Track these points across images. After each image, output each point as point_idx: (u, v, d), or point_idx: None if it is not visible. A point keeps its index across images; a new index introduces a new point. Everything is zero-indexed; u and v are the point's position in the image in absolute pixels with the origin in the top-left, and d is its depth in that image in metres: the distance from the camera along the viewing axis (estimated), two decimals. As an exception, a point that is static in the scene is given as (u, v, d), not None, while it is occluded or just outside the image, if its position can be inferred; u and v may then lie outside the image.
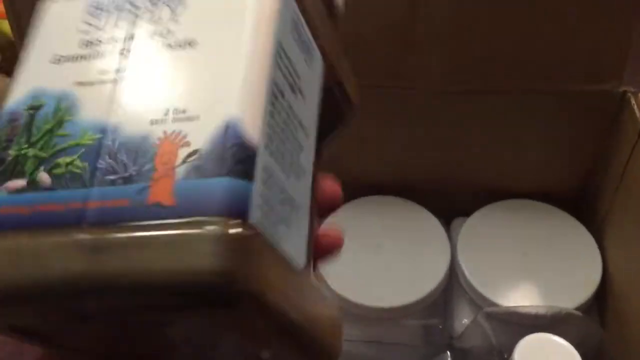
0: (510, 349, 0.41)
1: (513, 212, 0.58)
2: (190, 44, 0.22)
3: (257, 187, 0.19)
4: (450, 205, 0.60)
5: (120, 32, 0.22)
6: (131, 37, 0.22)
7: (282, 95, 0.22)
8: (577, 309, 0.50)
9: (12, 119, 0.21)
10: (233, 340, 0.22)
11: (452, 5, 0.46)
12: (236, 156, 0.19)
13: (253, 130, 0.20)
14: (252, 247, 0.18)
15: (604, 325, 0.53)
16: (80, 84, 0.21)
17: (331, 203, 0.26)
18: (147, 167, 0.19)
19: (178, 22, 0.22)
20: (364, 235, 0.56)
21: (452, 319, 0.55)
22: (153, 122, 0.20)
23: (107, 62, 0.22)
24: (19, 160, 0.20)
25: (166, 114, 0.20)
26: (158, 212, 0.19)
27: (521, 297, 0.51)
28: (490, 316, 0.47)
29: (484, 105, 0.52)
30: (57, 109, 0.21)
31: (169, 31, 0.22)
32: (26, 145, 0.21)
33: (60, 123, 0.21)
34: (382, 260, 0.55)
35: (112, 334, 0.23)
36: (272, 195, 0.20)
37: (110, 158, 0.20)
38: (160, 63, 0.21)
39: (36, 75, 0.22)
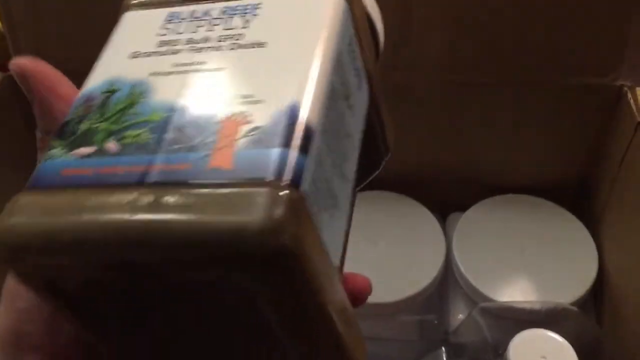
0: (505, 345, 0.41)
1: (509, 207, 0.57)
2: (260, 44, 0.24)
3: (310, 164, 0.20)
4: (446, 200, 0.59)
5: (197, 36, 0.25)
6: (206, 39, 0.25)
7: (337, 99, 0.24)
8: (573, 304, 0.50)
9: (88, 99, 0.23)
10: (257, 323, 0.22)
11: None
12: (295, 132, 0.21)
13: (312, 115, 0.21)
14: (300, 211, 0.19)
15: (599, 320, 0.53)
16: (155, 74, 0.23)
17: (360, 296, 0.27)
18: (210, 139, 0.21)
19: (249, 27, 0.25)
20: (359, 230, 0.55)
21: (447, 314, 0.54)
22: (222, 104, 0.22)
23: (182, 57, 0.24)
24: (90, 132, 0.22)
25: (235, 98, 0.22)
26: (216, 174, 0.20)
27: (517, 292, 0.51)
28: (485, 311, 0.47)
29: (479, 98, 0.52)
30: (131, 93, 0.23)
31: (240, 35, 0.25)
32: (99, 121, 0.22)
33: (132, 104, 0.23)
34: (377, 256, 0.54)
35: (138, 310, 0.23)
36: (320, 180, 0.21)
37: (177, 132, 0.22)
38: (230, 58, 0.24)
39: (113, 67, 0.24)
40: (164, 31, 0.25)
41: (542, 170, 0.58)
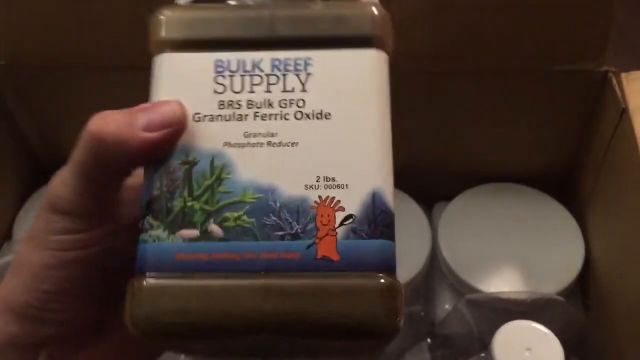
0: (490, 336, 0.41)
1: (495, 196, 0.57)
2: (325, 115, 0.26)
3: (395, 246, 0.25)
4: (432, 190, 0.59)
5: (257, 97, 0.26)
6: (269, 104, 0.26)
7: None
8: (560, 293, 0.50)
9: (169, 172, 0.25)
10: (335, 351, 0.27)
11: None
12: (384, 222, 0.24)
13: (390, 199, 0.25)
14: (399, 295, 0.24)
15: (586, 308, 0.53)
16: (229, 144, 0.25)
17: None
18: (310, 226, 0.24)
19: (308, 92, 0.26)
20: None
21: (433, 305, 0.54)
22: (307, 187, 0.25)
23: (250, 125, 0.25)
24: (187, 211, 0.24)
25: (318, 180, 0.25)
26: (326, 264, 0.24)
27: (503, 282, 0.50)
28: (471, 303, 0.47)
29: (464, 87, 0.51)
30: (213, 167, 0.25)
31: (303, 101, 0.26)
32: (190, 198, 0.25)
33: (219, 180, 0.25)
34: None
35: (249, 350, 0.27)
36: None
37: (274, 216, 0.24)
38: (300, 130, 0.25)
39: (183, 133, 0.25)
40: (219, 87, 0.26)
41: (528, 158, 0.57)
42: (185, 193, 0.25)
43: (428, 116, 0.54)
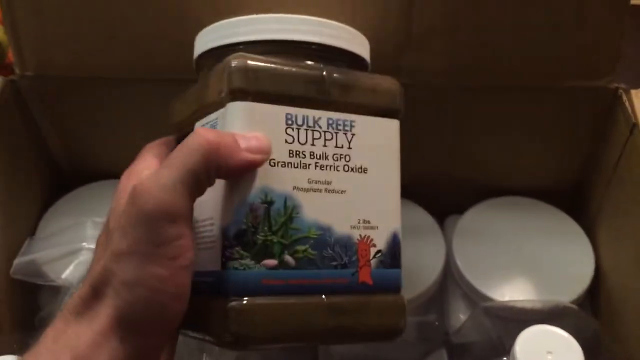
0: (508, 343, 0.41)
1: (506, 209, 0.58)
2: (364, 170, 0.33)
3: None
4: (444, 203, 0.60)
5: (317, 150, 0.32)
6: (325, 157, 0.32)
7: None
8: (571, 303, 0.51)
9: (253, 209, 0.30)
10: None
11: (448, 1, 0.46)
12: (398, 253, 0.34)
13: (401, 236, 0.34)
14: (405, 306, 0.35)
15: (596, 318, 0.54)
16: (297, 188, 0.31)
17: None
18: (354, 258, 0.32)
19: (353, 149, 0.33)
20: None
21: (447, 315, 0.55)
22: (352, 227, 0.32)
23: (313, 173, 0.31)
24: (267, 244, 0.30)
25: (359, 222, 0.33)
26: (365, 287, 0.33)
27: (516, 293, 0.51)
28: (488, 311, 0.48)
29: (477, 102, 0.53)
30: (286, 207, 0.30)
31: (349, 157, 0.33)
32: (270, 233, 0.30)
33: (291, 218, 0.31)
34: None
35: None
36: None
37: (330, 250, 0.32)
38: (347, 180, 0.32)
39: (261, 174, 0.30)
40: (289, 138, 0.31)
41: (538, 173, 0.58)
42: (266, 228, 0.30)
43: (440, 130, 0.55)
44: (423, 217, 0.58)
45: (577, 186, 0.59)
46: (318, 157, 0.31)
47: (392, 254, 0.34)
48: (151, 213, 0.26)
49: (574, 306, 0.49)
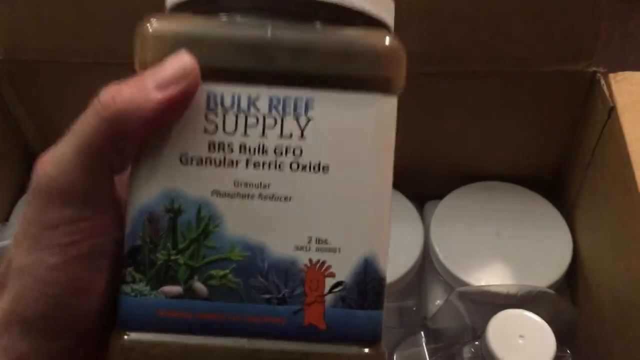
0: (483, 328, 0.42)
1: (485, 194, 0.58)
2: (322, 168, 0.23)
3: (383, 312, 0.24)
4: (423, 188, 0.60)
5: (251, 141, 0.23)
6: (264, 150, 0.23)
7: None
8: (549, 287, 0.51)
9: (152, 219, 0.23)
10: None
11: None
12: (374, 290, 0.23)
13: (383, 265, 0.23)
14: None
15: (574, 303, 0.54)
16: (218, 193, 0.23)
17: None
18: (297, 291, 0.23)
19: (307, 139, 0.23)
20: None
21: (425, 300, 0.55)
22: (298, 248, 0.23)
23: (242, 173, 0.23)
24: (170, 265, 0.23)
25: (309, 241, 0.23)
26: (312, 333, 0.23)
27: (493, 278, 0.51)
28: (463, 296, 0.48)
29: (455, 87, 0.52)
30: (199, 218, 0.23)
31: (300, 150, 0.23)
32: (174, 252, 0.23)
33: (205, 233, 0.23)
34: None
35: None
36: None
37: (262, 277, 0.23)
38: (296, 185, 0.23)
39: (166, 174, 0.23)
40: (210, 126, 0.23)
41: (518, 158, 0.58)
42: (170, 245, 0.23)
43: (418, 116, 0.55)
44: (402, 203, 0.58)
45: (557, 171, 0.59)
46: (252, 151, 0.23)
47: (362, 290, 0.23)
48: (41, 191, 0.22)
49: (550, 291, 0.49)
